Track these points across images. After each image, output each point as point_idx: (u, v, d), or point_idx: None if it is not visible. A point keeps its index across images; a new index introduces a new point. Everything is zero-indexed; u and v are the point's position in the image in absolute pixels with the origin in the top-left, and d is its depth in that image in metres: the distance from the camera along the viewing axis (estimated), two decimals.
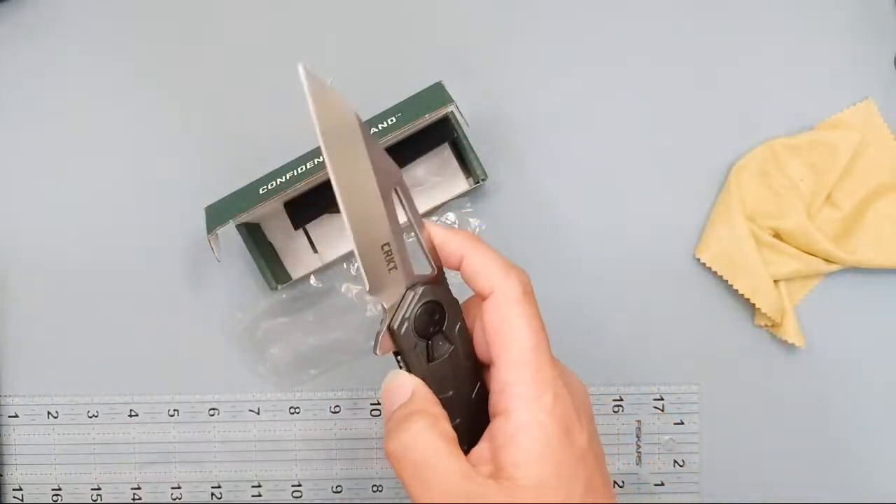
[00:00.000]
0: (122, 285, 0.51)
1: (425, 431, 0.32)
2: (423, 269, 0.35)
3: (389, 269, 0.33)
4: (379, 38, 0.51)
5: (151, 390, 0.51)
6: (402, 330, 0.34)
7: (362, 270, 0.33)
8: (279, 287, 0.48)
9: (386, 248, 0.33)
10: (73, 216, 0.51)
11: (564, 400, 0.32)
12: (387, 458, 0.32)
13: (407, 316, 0.34)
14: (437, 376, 0.34)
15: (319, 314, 0.50)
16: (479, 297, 0.34)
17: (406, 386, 0.33)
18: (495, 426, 0.32)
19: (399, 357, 0.34)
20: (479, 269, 0.34)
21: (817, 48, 0.50)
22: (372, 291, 0.33)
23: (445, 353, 0.34)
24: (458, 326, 0.35)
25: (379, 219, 0.33)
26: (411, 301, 0.34)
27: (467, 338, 0.35)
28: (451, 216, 0.49)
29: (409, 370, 0.34)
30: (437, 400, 0.33)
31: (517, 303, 0.33)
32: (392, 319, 0.34)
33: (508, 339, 0.33)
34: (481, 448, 0.33)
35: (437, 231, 0.35)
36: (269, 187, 0.46)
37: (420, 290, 0.34)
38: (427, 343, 0.34)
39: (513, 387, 0.32)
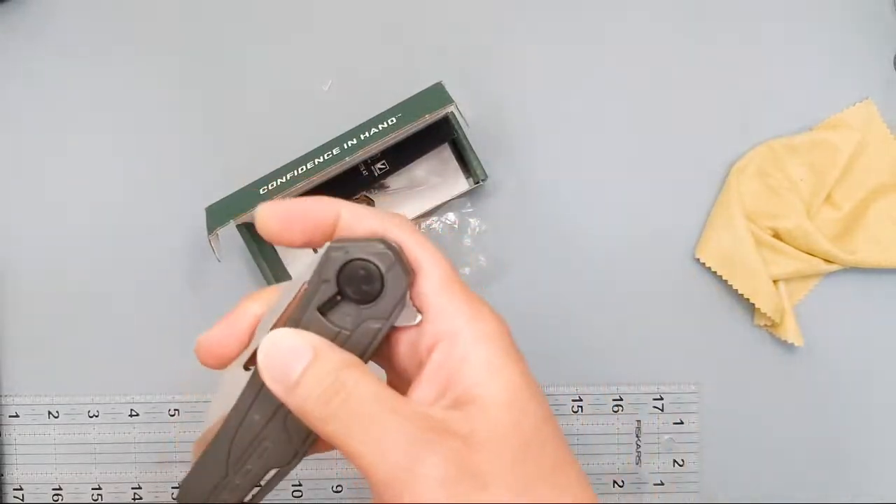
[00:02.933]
0: (123, 285, 0.51)
1: (361, 384, 0.26)
2: None
3: None
4: (379, 38, 0.51)
5: (152, 390, 0.51)
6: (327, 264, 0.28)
7: None
8: None
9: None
10: (74, 216, 0.51)
11: (496, 312, 0.28)
12: (321, 435, 0.27)
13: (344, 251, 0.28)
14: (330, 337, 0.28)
15: None
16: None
17: (302, 345, 0.27)
18: (438, 356, 0.27)
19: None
20: (353, 221, 0.29)
21: (817, 49, 0.50)
22: None
23: (349, 325, 0.29)
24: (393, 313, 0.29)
25: None
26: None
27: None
28: (451, 216, 0.49)
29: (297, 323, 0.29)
30: (346, 352, 0.28)
31: (414, 232, 0.29)
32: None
33: (424, 267, 0.28)
34: (423, 391, 0.27)
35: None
36: (270, 187, 0.46)
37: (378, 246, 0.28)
38: (334, 296, 0.29)
39: (448, 307, 0.28)
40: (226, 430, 0.29)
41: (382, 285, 0.28)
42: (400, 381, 0.30)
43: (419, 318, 0.29)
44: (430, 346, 0.28)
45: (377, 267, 0.28)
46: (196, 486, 0.30)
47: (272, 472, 0.30)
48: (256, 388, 0.29)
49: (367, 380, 0.26)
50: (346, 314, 0.29)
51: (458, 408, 0.26)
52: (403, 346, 0.29)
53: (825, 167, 0.49)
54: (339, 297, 0.29)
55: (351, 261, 0.28)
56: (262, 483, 0.30)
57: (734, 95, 0.50)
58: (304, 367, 0.27)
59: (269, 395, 0.28)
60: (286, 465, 0.29)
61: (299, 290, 0.29)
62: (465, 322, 0.27)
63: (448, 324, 0.28)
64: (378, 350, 0.29)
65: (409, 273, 0.28)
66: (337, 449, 0.27)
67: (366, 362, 0.28)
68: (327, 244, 0.29)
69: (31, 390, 0.51)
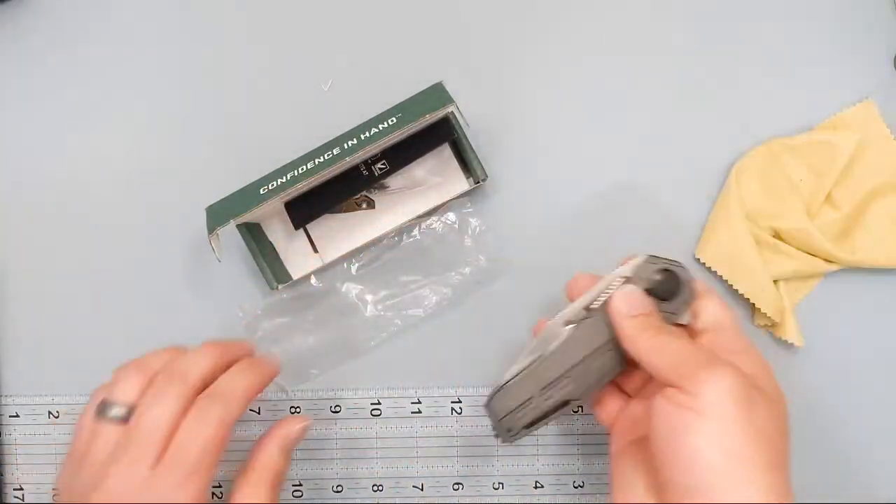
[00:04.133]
0: (123, 285, 0.51)
1: (664, 328, 0.40)
2: None
3: None
4: (380, 38, 0.51)
5: None
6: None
7: None
8: (279, 287, 0.48)
9: None
10: (73, 216, 0.51)
11: (763, 362, 0.40)
12: (631, 350, 0.39)
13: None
14: None
15: (319, 314, 0.50)
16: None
17: (647, 302, 0.40)
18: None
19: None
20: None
21: (817, 48, 0.50)
22: None
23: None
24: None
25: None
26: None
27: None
28: (451, 216, 0.49)
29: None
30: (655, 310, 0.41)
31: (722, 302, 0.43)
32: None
33: (726, 315, 0.42)
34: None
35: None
36: (270, 187, 0.46)
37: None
38: (644, 290, 0.41)
39: (733, 340, 0.41)
40: (544, 366, 0.41)
41: (679, 288, 0.41)
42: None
43: (690, 318, 0.41)
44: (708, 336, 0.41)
45: (680, 276, 0.41)
46: (502, 402, 0.41)
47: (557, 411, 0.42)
48: (578, 340, 0.41)
49: (679, 333, 0.40)
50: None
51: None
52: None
53: (825, 167, 0.49)
54: (648, 292, 0.41)
55: (667, 267, 0.41)
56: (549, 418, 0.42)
57: (734, 95, 0.50)
58: (642, 311, 0.40)
59: (586, 346, 0.41)
60: (576, 400, 0.41)
61: (621, 281, 0.42)
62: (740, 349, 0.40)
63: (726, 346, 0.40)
64: None
65: (695, 291, 0.42)
66: (640, 362, 0.39)
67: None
68: (646, 255, 0.42)
69: (31, 390, 0.51)
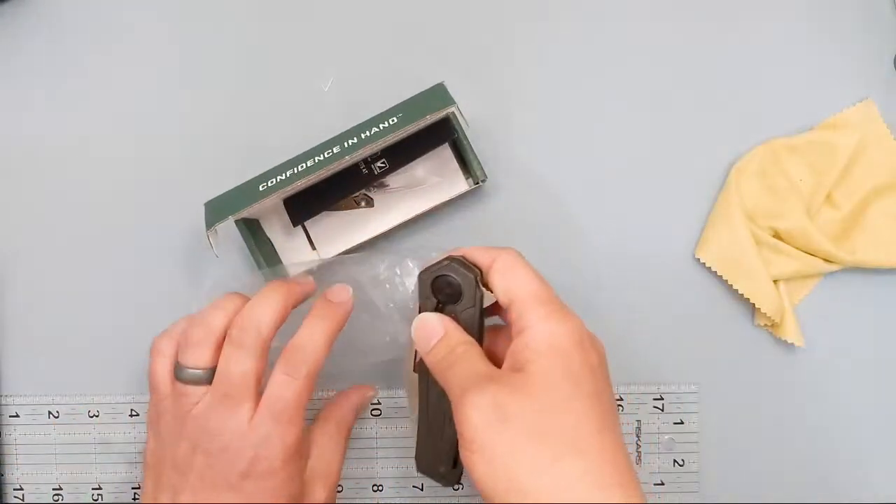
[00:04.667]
0: (122, 283, 0.51)
1: (465, 355, 0.39)
2: None
3: None
4: (381, 38, 0.51)
5: None
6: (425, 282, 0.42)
7: None
8: None
9: None
10: (73, 215, 0.51)
11: (576, 321, 0.38)
12: (438, 379, 0.40)
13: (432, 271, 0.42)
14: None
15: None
16: (486, 270, 0.41)
17: (438, 325, 0.41)
18: (514, 344, 0.38)
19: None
20: (476, 251, 0.42)
21: (817, 48, 0.50)
22: None
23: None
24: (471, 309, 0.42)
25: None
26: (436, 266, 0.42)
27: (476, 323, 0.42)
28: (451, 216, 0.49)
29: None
30: (460, 329, 0.41)
31: (518, 259, 0.41)
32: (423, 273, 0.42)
33: (518, 282, 0.40)
34: (504, 366, 0.39)
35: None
36: (269, 184, 0.46)
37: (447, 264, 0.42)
38: (437, 304, 0.42)
39: (528, 311, 0.38)
40: (422, 412, 0.43)
41: (460, 284, 0.41)
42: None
43: (493, 297, 0.41)
44: (515, 336, 0.39)
45: (451, 275, 0.41)
46: (423, 459, 0.44)
47: None
48: (427, 381, 0.42)
49: (471, 350, 0.39)
50: (450, 311, 0.42)
51: (518, 370, 0.37)
52: (501, 344, 0.42)
53: (825, 167, 0.49)
54: (441, 305, 0.42)
55: (434, 278, 0.42)
56: None
57: (734, 95, 0.50)
58: (436, 341, 0.40)
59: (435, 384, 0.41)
60: None
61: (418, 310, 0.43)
62: (535, 321, 0.38)
63: (525, 322, 0.38)
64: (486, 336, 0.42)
65: (472, 270, 0.41)
66: (445, 388, 0.39)
67: (482, 340, 0.41)
68: (419, 275, 0.42)
69: (31, 390, 0.51)
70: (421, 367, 0.42)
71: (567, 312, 0.39)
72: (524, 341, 0.38)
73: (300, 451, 0.42)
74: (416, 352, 0.43)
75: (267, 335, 0.41)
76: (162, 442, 0.42)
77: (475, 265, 0.42)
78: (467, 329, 0.41)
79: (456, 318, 0.41)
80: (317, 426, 0.46)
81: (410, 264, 0.45)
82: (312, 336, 0.42)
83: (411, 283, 0.45)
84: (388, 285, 0.46)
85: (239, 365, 0.41)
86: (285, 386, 0.41)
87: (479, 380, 0.37)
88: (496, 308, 0.41)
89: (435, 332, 0.40)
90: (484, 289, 0.41)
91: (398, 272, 0.46)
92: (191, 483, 0.40)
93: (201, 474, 0.40)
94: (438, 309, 0.42)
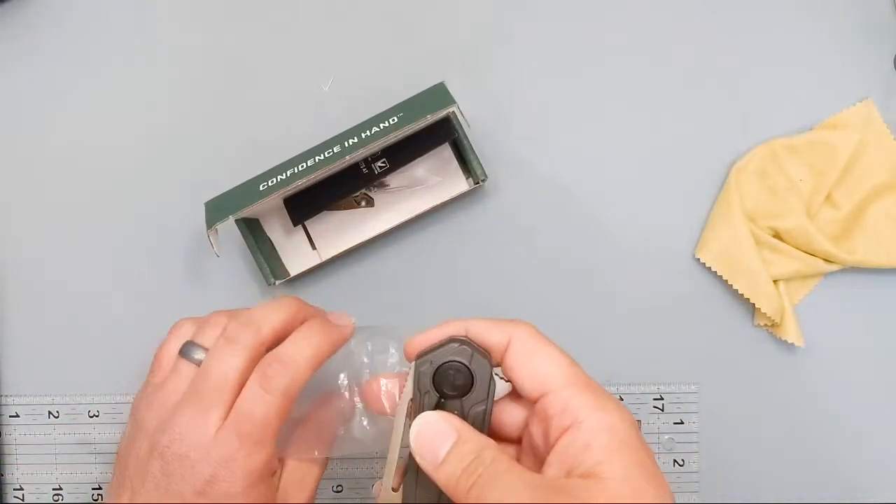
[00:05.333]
0: (122, 282, 0.51)
1: (497, 460, 0.31)
2: None
3: None
4: (382, 37, 0.51)
5: None
6: (424, 373, 0.34)
7: None
8: (277, 283, 0.48)
9: None
10: (73, 214, 0.51)
11: (624, 409, 0.32)
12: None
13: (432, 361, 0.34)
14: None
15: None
16: (498, 353, 0.34)
17: (446, 428, 0.33)
18: (564, 443, 0.31)
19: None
20: (484, 328, 0.35)
21: (817, 48, 0.50)
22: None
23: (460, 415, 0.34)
24: (482, 406, 0.34)
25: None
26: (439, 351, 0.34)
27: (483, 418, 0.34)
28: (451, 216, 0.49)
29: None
30: (484, 436, 0.33)
31: (538, 337, 0.34)
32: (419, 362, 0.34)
33: (549, 367, 0.33)
34: (551, 470, 0.32)
35: (432, 332, 0.36)
36: (270, 184, 0.46)
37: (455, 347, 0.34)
38: (439, 400, 0.34)
39: (573, 400, 0.32)
40: None
41: (472, 375, 0.34)
42: (534, 465, 0.34)
43: (510, 386, 0.34)
44: (559, 434, 0.32)
45: (461, 363, 0.34)
46: None
47: None
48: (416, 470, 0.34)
49: (501, 457, 0.31)
50: (453, 408, 0.34)
51: (586, 476, 0.30)
52: (536, 433, 0.34)
53: (825, 167, 0.49)
54: (442, 400, 0.34)
55: (438, 368, 0.34)
56: None
57: (734, 95, 0.50)
58: (449, 447, 0.32)
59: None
60: None
61: (409, 407, 0.34)
62: (588, 413, 0.31)
63: (573, 416, 0.31)
64: (509, 433, 0.35)
65: (486, 355, 0.34)
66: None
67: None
68: (414, 363, 0.34)
69: (31, 390, 0.51)
70: (410, 484, 0.35)
71: (607, 393, 0.33)
72: (582, 440, 0.31)
73: (265, 475, 0.37)
74: (398, 463, 0.35)
75: (264, 338, 0.37)
76: (136, 430, 0.38)
77: (483, 348, 0.34)
78: (476, 429, 0.33)
79: (462, 417, 0.34)
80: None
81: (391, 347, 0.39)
82: (299, 348, 0.37)
83: (383, 360, 0.39)
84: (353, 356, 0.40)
85: (222, 362, 0.37)
86: (257, 401, 0.36)
87: (537, 494, 0.29)
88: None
89: (445, 435, 0.32)
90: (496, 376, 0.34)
91: (368, 347, 0.40)
92: (147, 490, 0.36)
93: (156, 483, 0.36)
94: (440, 406, 0.34)
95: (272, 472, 0.38)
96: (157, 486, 0.35)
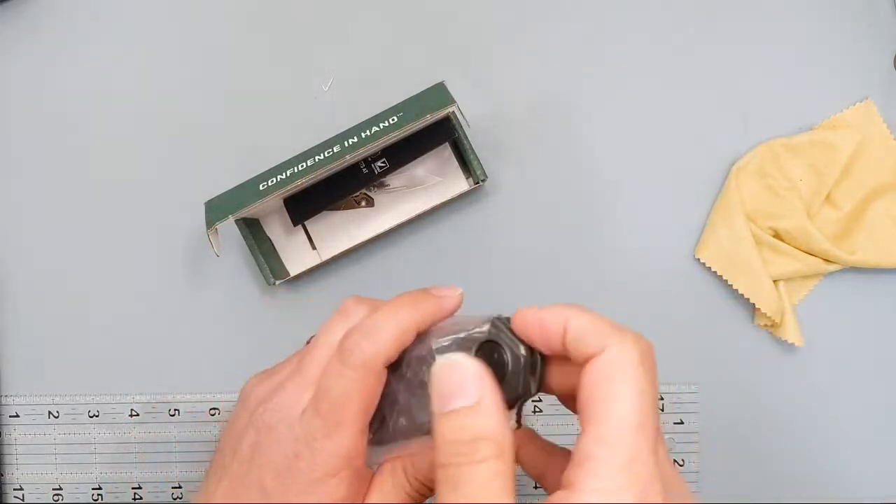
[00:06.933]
0: (122, 282, 0.51)
1: (489, 465, 0.27)
2: None
3: None
4: (381, 37, 0.51)
5: (152, 390, 0.51)
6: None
7: None
8: (277, 283, 0.48)
9: None
10: (73, 214, 0.51)
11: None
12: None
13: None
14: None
15: (317, 311, 0.50)
16: (583, 362, 0.29)
17: (471, 383, 0.28)
18: (555, 498, 0.27)
19: None
20: (587, 328, 0.30)
21: (817, 48, 0.51)
22: None
23: None
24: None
25: None
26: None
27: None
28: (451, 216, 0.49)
29: None
30: (504, 411, 0.28)
31: (630, 367, 0.28)
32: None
33: (607, 407, 0.27)
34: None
35: (530, 313, 0.31)
36: (270, 183, 0.46)
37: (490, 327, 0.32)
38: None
39: (595, 465, 0.26)
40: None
41: (504, 376, 0.30)
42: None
43: (515, 427, 0.31)
44: (567, 473, 0.27)
45: (507, 359, 0.31)
46: None
47: None
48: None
49: (498, 465, 0.27)
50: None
51: None
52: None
53: (825, 167, 0.49)
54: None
55: (491, 341, 0.31)
56: None
57: (734, 95, 0.50)
58: (458, 406, 0.28)
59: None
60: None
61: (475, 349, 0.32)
62: (593, 487, 0.26)
63: (579, 480, 0.27)
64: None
65: (527, 390, 0.30)
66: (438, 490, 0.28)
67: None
68: (493, 316, 0.32)
69: (31, 390, 0.51)
70: (396, 371, 0.33)
71: (648, 484, 0.27)
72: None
73: (348, 464, 0.32)
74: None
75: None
76: (241, 408, 0.35)
77: (525, 338, 0.31)
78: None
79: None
80: None
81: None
82: (382, 315, 0.33)
83: None
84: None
85: (330, 334, 0.34)
86: (334, 376, 0.32)
87: None
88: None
89: (466, 389, 0.28)
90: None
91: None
92: (233, 469, 0.33)
93: (241, 461, 0.33)
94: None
95: (358, 464, 0.33)
96: (241, 464, 0.33)
